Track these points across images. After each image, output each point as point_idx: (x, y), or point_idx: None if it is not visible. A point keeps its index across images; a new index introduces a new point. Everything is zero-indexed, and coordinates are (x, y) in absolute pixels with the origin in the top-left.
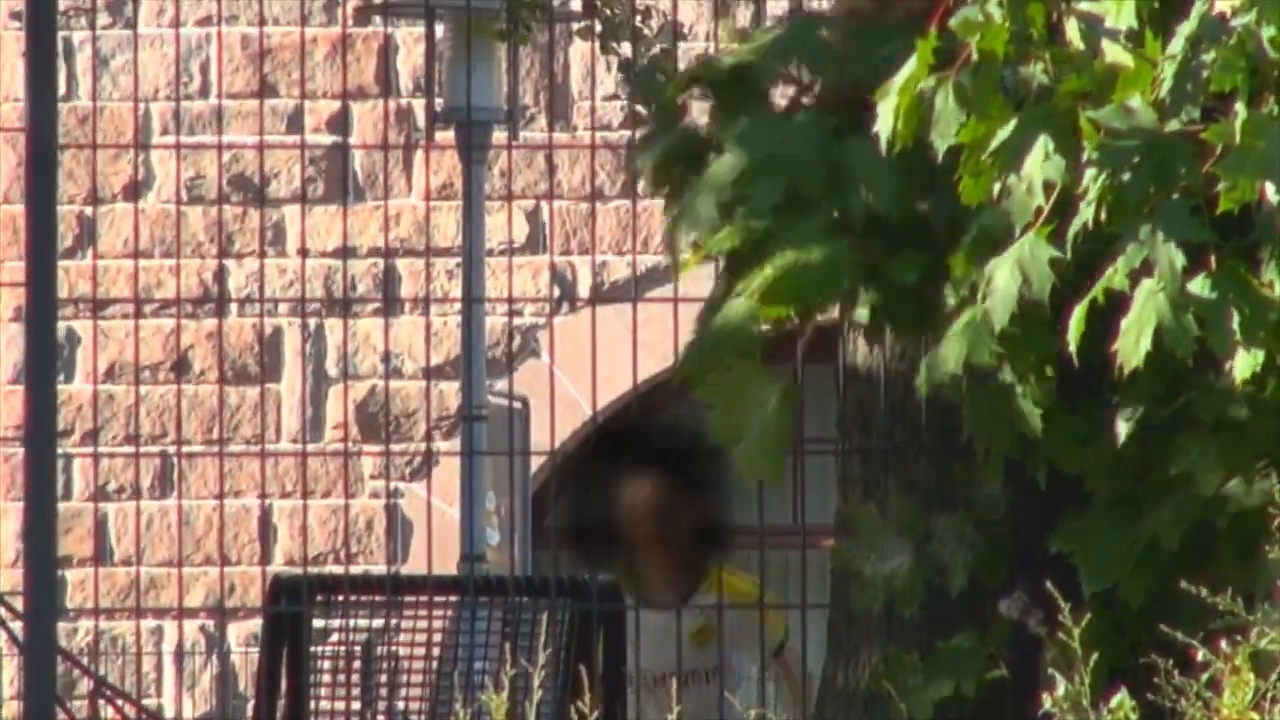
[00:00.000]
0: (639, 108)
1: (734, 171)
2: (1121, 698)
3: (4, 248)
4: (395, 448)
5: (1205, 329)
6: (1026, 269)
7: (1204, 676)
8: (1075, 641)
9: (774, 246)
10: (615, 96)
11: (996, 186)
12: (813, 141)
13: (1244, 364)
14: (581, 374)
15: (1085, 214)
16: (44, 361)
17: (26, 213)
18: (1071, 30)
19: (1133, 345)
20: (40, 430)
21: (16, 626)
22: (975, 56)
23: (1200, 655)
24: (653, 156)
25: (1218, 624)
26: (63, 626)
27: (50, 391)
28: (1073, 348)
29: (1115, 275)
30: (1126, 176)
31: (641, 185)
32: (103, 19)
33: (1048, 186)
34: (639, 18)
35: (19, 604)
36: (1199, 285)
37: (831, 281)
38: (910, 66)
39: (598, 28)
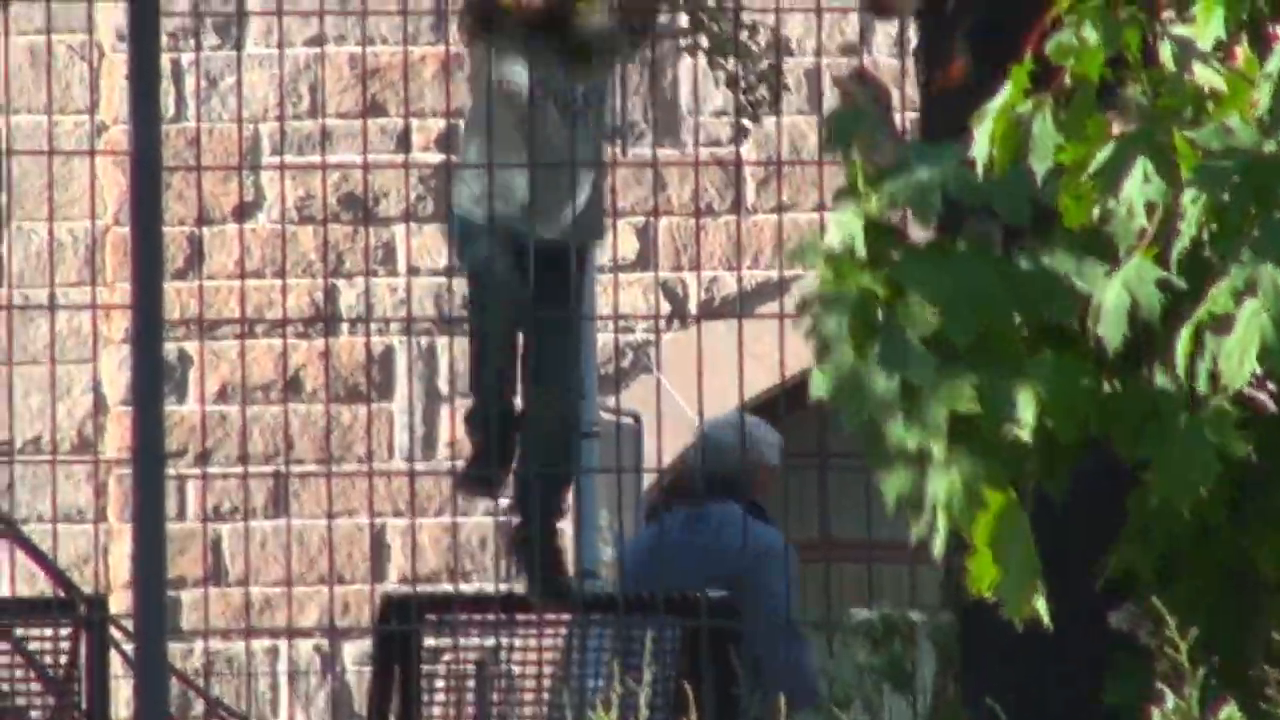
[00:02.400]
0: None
1: (928, 311)
2: (1230, 710)
3: (116, 269)
4: None
5: None
6: (1134, 290)
7: None
8: (1184, 656)
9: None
10: (723, 112)
11: (1096, 210)
12: (985, 269)
13: None
14: (693, 389)
15: (1186, 235)
16: (151, 382)
17: (132, 234)
18: (1165, 53)
19: (1236, 366)
20: (148, 450)
21: (130, 648)
22: (1069, 81)
23: None
24: (840, 320)
25: None
26: (177, 647)
27: (158, 412)
28: (1180, 369)
29: (1220, 297)
30: (1226, 197)
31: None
32: (210, 40)
33: (1149, 208)
34: (745, 33)
35: (132, 625)
36: None
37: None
38: (1006, 92)
39: (704, 43)
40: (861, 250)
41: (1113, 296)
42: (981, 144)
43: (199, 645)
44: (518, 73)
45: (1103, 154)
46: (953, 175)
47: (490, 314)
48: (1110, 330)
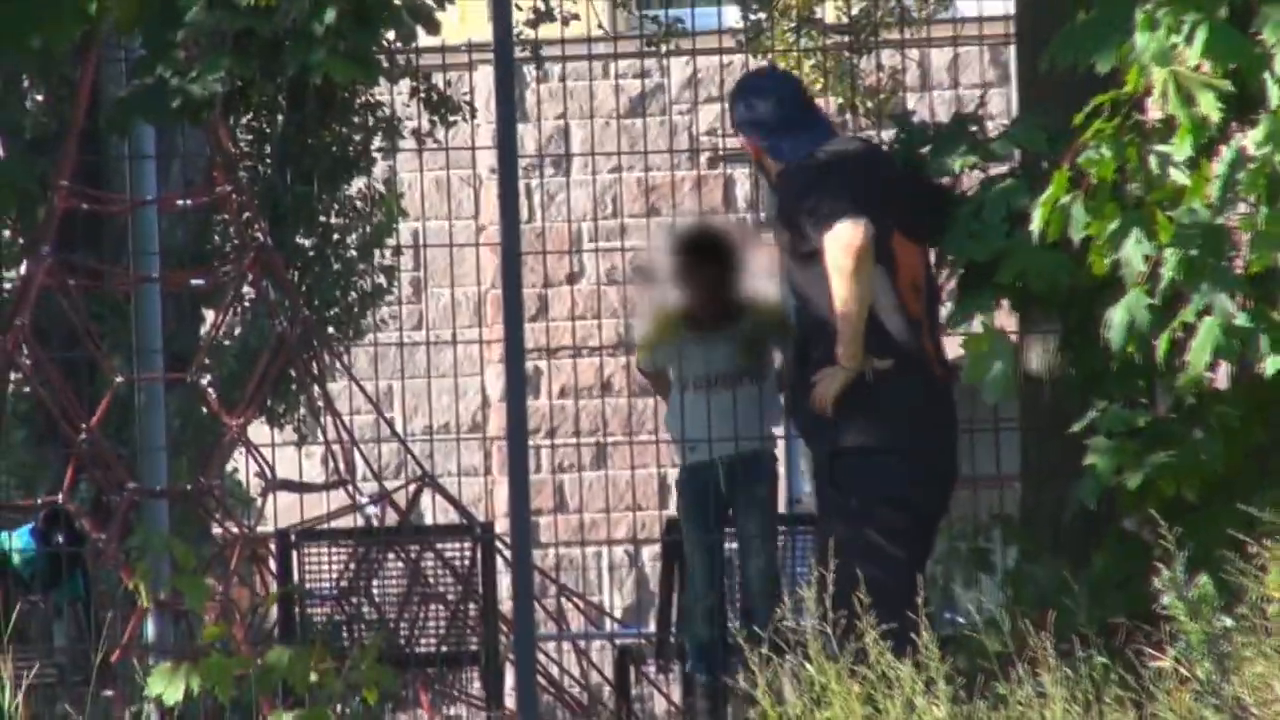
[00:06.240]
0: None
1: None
2: (1205, 580)
3: (493, 317)
4: None
5: (1245, 348)
6: (1134, 312)
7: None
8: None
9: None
10: None
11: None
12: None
13: (1272, 366)
14: None
15: (1166, 277)
16: (518, 386)
17: (504, 293)
18: (1152, 162)
19: (1199, 359)
20: (516, 429)
21: (508, 553)
22: (1094, 181)
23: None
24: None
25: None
26: (537, 553)
27: (522, 406)
28: (1160, 359)
29: (1187, 314)
30: (1191, 253)
31: None
32: (548, 171)
33: (1146, 259)
34: None
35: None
36: (1241, 320)
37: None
38: (1051, 189)
39: None
40: None
41: (1119, 315)
42: (1038, 221)
43: (551, 551)
44: None
45: (1111, 226)
46: None
47: None
48: (1116, 337)
